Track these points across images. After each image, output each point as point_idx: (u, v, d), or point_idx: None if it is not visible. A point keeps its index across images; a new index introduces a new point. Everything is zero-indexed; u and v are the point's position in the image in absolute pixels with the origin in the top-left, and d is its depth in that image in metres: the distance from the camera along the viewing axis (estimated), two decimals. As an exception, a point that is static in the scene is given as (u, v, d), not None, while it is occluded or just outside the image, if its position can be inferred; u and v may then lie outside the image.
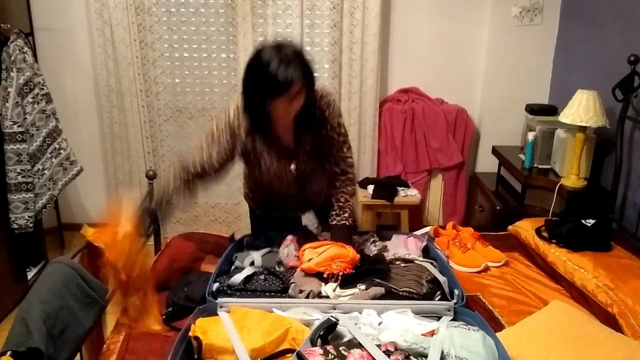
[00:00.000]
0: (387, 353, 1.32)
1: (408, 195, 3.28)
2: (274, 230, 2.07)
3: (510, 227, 2.54)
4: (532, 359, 1.49)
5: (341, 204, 1.98)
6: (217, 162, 1.87)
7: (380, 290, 1.70)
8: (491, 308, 1.90)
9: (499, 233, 2.57)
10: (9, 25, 2.76)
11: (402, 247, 2.03)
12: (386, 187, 3.28)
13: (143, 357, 1.60)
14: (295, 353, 1.32)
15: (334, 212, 1.99)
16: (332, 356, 1.27)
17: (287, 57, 1.64)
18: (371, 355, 1.30)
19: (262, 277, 1.80)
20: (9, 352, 1.31)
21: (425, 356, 1.35)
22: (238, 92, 1.89)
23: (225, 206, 3.74)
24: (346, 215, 1.98)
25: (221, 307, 1.60)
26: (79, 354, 1.80)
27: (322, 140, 1.92)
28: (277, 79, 1.62)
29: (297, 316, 1.55)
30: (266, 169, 1.93)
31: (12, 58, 2.65)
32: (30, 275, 3.05)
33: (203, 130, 3.48)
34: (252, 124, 1.84)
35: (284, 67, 1.62)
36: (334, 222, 1.98)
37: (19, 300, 2.88)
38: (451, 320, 1.55)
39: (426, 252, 2.04)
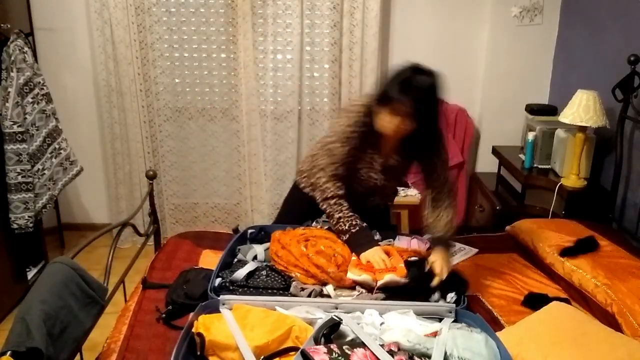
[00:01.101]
0: (391, 353, 1.32)
1: (408, 195, 3.28)
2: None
3: (508, 228, 2.54)
4: (532, 359, 1.49)
5: (447, 219, 1.96)
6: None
7: (381, 294, 1.71)
8: (491, 308, 1.90)
9: (498, 233, 2.57)
10: (9, 25, 2.76)
11: (407, 247, 2.05)
12: (386, 187, 3.28)
13: (143, 356, 1.60)
14: (299, 351, 1.32)
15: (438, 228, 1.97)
16: (336, 355, 1.27)
17: (408, 82, 1.74)
18: (375, 355, 1.31)
19: (264, 273, 1.81)
20: (9, 352, 1.32)
21: (429, 357, 1.35)
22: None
23: (225, 206, 3.74)
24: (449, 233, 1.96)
25: (223, 304, 1.60)
26: (79, 354, 1.80)
27: (427, 165, 2.00)
28: (389, 95, 1.77)
29: (300, 315, 1.55)
30: (354, 171, 2.01)
31: (12, 58, 2.65)
32: (30, 275, 3.05)
33: (203, 131, 3.52)
34: (365, 138, 1.93)
35: (399, 89, 1.74)
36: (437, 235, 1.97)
37: (19, 300, 2.89)
38: (452, 322, 1.55)
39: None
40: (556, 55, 3.42)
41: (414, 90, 1.72)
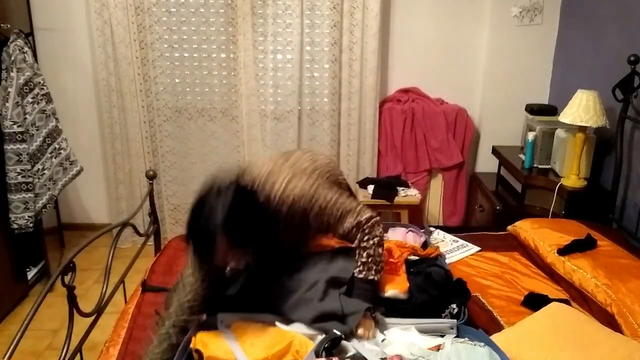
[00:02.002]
0: None
1: (408, 195, 3.28)
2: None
3: (509, 228, 2.54)
4: (531, 359, 1.49)
5: (363, 259, 1.63)
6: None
7: (381, 308, 1.64)
8: (490, 309, 1.90)
9: (499, 233, 2.57)
10: (9, 25, 2.76)
11: (401, 240, 2.04)
12: (386, 187, 3.28)
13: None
14: None
15: (358, 267, 1.65)
16: None
17: (212, 216, 1.45)
18: None
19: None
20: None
21: None
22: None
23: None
24: (370, 272, 1.64)
25: (221, 321, 1.56)
26: (79, 354, 1.80)
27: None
28: (202, 237, 1.49)
29: (300, 330, 1.52)
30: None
31: (12, 58, 2.65)
32: (30, 275, 3.05)
33: (203, 131, 3.52)
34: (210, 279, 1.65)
35: (205, 224, 1.45)
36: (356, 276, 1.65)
37: (19, 300, 2.89)
38: (455, 337, 1.53)
39: (424, 247, 2.05)
40: (556, 55, 3.42)
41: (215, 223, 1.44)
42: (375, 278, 1.62)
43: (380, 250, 1.65)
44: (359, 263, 1.63)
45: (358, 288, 1.61)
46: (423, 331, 1.55)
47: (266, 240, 1.57)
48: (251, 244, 1.54)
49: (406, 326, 1.56)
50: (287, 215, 1.64)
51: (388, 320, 1.59)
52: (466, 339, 1.49)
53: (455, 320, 1.59)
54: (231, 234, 1.46)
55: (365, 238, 1.62)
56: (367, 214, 1.65)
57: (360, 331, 1.52)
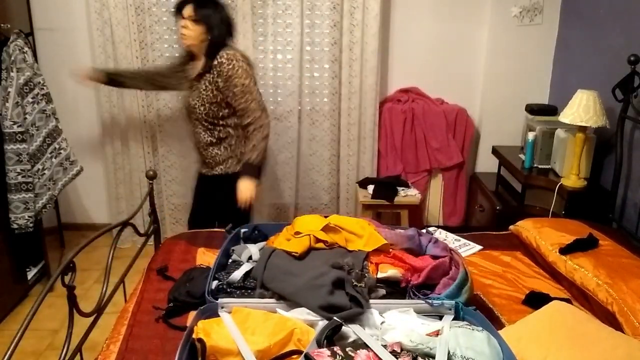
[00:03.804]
0: (394, 354, 1.31)
1: (408, 195, 3.28)
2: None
3: (511, 227, 2.54)
4: (532, 358, 1.49)
5: (250, 146, 2.41)
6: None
7: (381, 291, 1.70)
8: (492, 307, 1.90)
9: (501, 232, 2.58)
10: (9, 25, 2.76)
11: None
12: (386, 187, 3.28)
13: (143, 357, 1.60)
14: (303, 355, 1.31)
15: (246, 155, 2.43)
16: (340, 357, 1.27)
17: None
18: (378, 356, 1.30)
19: None
20: None
21: (432, 356, 1.35)
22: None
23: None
24: (252, 155, 2.40)
25: (222, 307, 1.59)
26: (79, 354, 1.80)
27: (217, 90, 2.38)
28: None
29: (301, 317, 1.54)
30: (181, 97, 2.66)
31: (12, 58, 2.65)
32: (30, 275, 3.05)
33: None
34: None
35: None
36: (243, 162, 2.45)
37: (19, 300, 2.89)
38: (453, 319, 1.55)
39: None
40: (556, 55, 3.42)
41: None
42: (255, 162, 2.41)
43: (263, 144, 2.43)
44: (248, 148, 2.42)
45: (245, 167, 2.42)
46: (421, 312, 1.58)
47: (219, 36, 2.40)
48: (211, 29, 2.39)
49: (405, 308, 1.58)
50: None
51: (387, 301, 1.63)
52: (464, 323, 1.50)
53: (453, 301, 1.62)
54: (211, 13, 2.39)
55: (254, 131, 2.40)
56: (265, 119, 2.44)
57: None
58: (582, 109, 2.50)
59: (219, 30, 2.39)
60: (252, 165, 2.40)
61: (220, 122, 2.45)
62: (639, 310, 1.70)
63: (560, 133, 2.83)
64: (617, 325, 1.70)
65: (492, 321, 1.75)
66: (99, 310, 1.98)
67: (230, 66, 2.32)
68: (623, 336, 1.61)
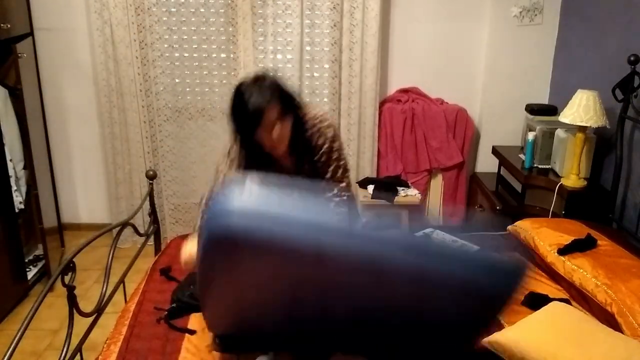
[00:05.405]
0: None
1: (408, 195, 3.28)
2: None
3: (509, 227, 2.54)
4: (531, 359, 1.49)
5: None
6: None
7: None
8: (491, 308, 1.90)
9: (499, 233, 2.58)
10: (9, 25, 2.76)
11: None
12: (386, 187, 3.28)
13: (143, 357, 1.61)
14: None
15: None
16: None
17: (259, 86, 1.61)
18: None
19: None
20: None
21: None
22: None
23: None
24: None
25: None
26: (79, 354, 1.80)
27: (319, 165, 1.84)
28: (249, 108, 1.59)
29: None
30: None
31: None
32: (30, 275, 3.05)
33: (203, 131, 3.52)
34: (252, 161, 1.76)
35: (255, 96, 1.59)
36: None
37: (19, 300, 2.89)
38: None
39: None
40: (556, 55, 3.42)
41: (266, 91, 1.61)
42: None
43: None
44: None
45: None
46: None
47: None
48: (295, 111, 1.71)
49: None
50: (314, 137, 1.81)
51: None
52: None
53: None
54: (283, 95, 1.65)
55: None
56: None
57: None
58: (582, 109, 2.50)
59: None
60: None
61: None
62: (638, 311, 1.70)
63: (560, 133, 2.83)
64: (616, 326, 1.70)
65: (491, 322, 1.75)
66: (99, 310, 1.98)
67: None
68: (622, 337, 1.61)
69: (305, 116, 1.78)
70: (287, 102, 1.67)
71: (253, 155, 1.74)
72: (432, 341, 1.57)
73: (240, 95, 1.62)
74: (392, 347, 1.60)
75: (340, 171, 1.87)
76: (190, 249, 1.60)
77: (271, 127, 1.64)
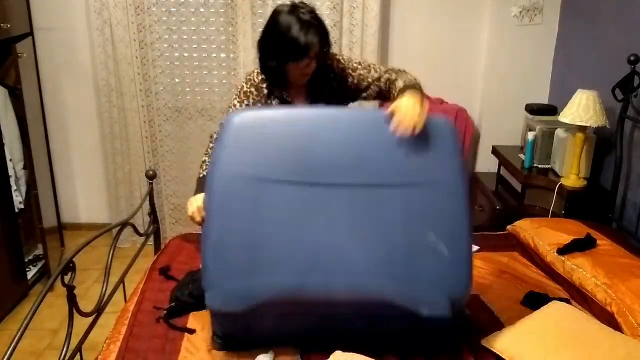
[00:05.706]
0: None
1: (408, 195, 3.27)
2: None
3: (509, 227, 2.54)
4: (532, 358, 1.49)
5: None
6: None
7: None
8: (491, 308, 1.90)
9: (499, 233, 2.58)
10: (9, 25, 2.76)
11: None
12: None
13: (143, 357, 1.61)
14: None
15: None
16: None
17: (306, 22, 1.65)
18: None
19: None
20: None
21: None
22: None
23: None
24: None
25: None
26: (79, 354, 1.80)
27: (345, 92, 1.85)
28: (298, 44, 1.63)
29: None
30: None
31: None
32: (30, 275, 3.05)
33: (203, 131, 3.52)
34: (271, 84, 1.82)
35: (304, 32, 1.63)
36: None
37: (19, 300, 2.89)
38: None
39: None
40: (556, 55, 3.42)
41: (315, 28, 1.65)
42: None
43: None
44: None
45: None
46: None
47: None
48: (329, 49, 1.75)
49: None
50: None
51: None
52: None
53: None
54: (326, 39, 1.70)
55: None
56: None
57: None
58: (582, 109, 2.50)
59: None
60: None
61: None
62: (638, 311, 1.70)
63: (560, 133, 2.83)
64: (616, 326, 1.70)
65: (491, 322, 1.76)
66: (99, 310, 1.98)
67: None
68: (622, 336, 1.61)
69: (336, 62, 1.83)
70: (326, 43, 1.73)
71: (275, 82, 1.80)
72: (431, 336, 1.59)
73: (288, 24, 1.64)
74: (393, 342, 1.61)
75: (373, 70, 1.83)
76: (198, 200, 1.60)
77: (308, 63, 1.70)
